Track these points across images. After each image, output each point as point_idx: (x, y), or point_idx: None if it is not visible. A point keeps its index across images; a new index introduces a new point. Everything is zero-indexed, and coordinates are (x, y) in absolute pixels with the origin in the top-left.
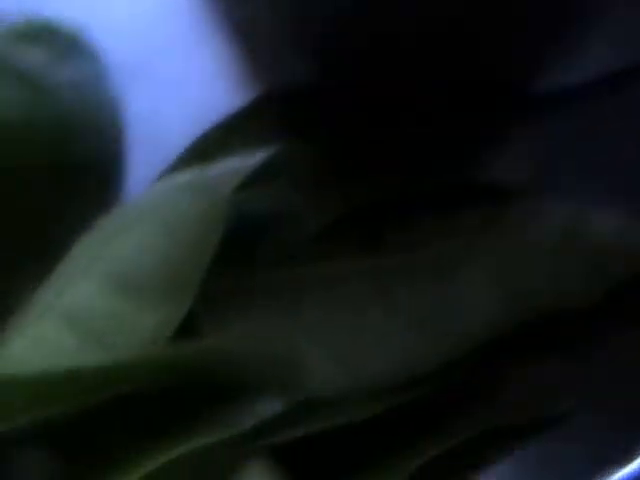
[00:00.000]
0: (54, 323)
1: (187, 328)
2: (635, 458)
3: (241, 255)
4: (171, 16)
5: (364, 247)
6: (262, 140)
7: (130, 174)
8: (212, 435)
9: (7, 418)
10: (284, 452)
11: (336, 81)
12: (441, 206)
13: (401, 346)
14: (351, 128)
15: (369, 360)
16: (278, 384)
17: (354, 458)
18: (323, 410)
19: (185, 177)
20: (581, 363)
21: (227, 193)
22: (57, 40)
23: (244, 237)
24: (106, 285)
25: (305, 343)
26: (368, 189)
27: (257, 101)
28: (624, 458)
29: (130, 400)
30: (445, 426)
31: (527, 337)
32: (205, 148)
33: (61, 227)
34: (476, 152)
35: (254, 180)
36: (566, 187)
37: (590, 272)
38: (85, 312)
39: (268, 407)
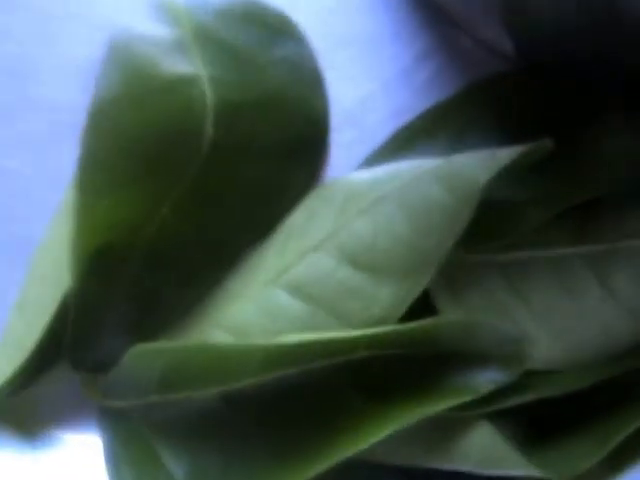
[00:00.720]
0: (283, 291)
1: (419, 302)
2: None
3: (471, 237)
4: (371, 5)
5: (577, 236)
6: (466, 131)
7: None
8: (446, 401)
9: (234, 380)
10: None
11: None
12: None
13: (611, 325)
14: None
15: (585, 336)
16: (505, 357)
17: (559, 426)
18: (541, 381)
19: (430, 165)
20: None
21: (481, 184)
22: (267, 21)
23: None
24: (343, 260)
25: (531, 319)
26: (587, 188)
27: (461, 92)
28: None
29: (365, 366)
30: None
31: None
32: (411, 136)
33: (273, 200)
34: None
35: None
36: None
37: None
38: (318, 283)
39: (499, 377)
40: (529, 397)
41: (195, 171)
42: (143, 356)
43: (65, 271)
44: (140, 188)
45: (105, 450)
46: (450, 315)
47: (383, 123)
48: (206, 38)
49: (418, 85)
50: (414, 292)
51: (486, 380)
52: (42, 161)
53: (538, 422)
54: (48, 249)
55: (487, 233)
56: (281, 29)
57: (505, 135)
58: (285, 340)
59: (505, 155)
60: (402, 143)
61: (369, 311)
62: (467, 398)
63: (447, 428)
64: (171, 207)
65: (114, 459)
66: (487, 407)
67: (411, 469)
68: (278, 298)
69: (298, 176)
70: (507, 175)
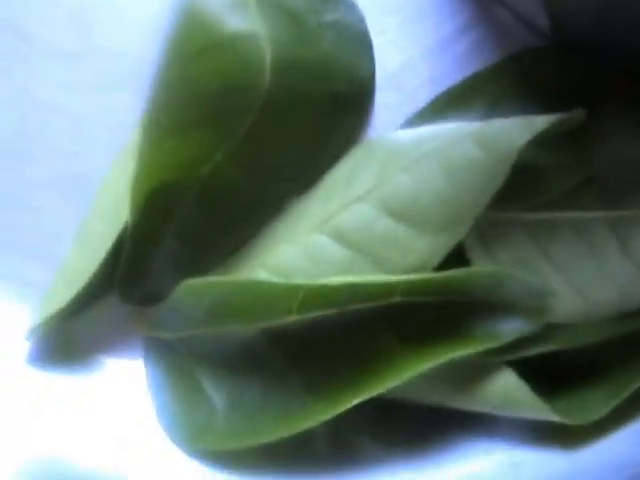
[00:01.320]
0: (327, 237)
1: (453, 255)
2: None
3: (504, 197)
4: None
5: (602, 201)
6: (500, 100)
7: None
8: (474, 346)
9: (275, 317)
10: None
11: (572, 44)
12: None
13: (627, 285)
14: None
15: (604, 294)
16: (530, 309)
17: (576, 376)
18: (561, 333)
19: (470, 127)
20: None
21: (518, 146)
22: None
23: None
24: (384, 211)
25: (555, 275)
26: (613, 156)
27: (497, 64)
28: None
29: (400, 310)
30: None
31: None
32: (449, 101)
33: (319, 152)
34: None
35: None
36: None
37: None
38: (360, 231)
39: (523, 327)
40: (550, 347)
41: (250, 122)
42: (193, 290)
43: (123, 208)
44: (199, 134)
45: (149, 377)
46: (481, 267)
47: (423, 88)
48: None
49: (458, 54)
50: (449, 244)
51: (511, 329)
52: (102, 105)
53: (557, 372)
54: (109, 187)
55: (518, 194)
56: None
57: (536, 106)
58: (326, 281)
59: (542, 121)
60: (441, 107)
61: (406, 259)
62: (492, 345)
63: (472, 372)
64: (225, 153)
65: (158, 386)
66: (510, 355)
67: (435, 409)
68: (321, 243)
69: (342, 132)
70: (539, 141)
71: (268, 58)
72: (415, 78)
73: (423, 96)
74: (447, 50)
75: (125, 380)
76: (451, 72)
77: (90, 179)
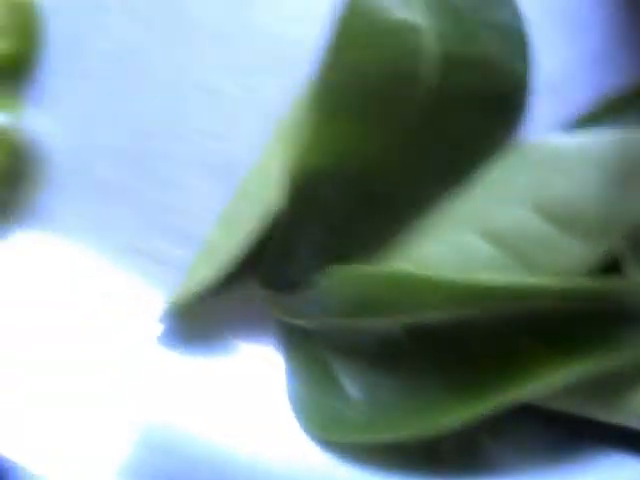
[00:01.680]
0: (477, 236)
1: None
2: None
3: None
4: None
5: None
6: None
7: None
8: (623, 357)
9: (420, 311)
10: None
11: None
12: None
13: None
14: None
15: None
16: None
17: None
18: None
19: (632, 134)
20: None
21: None
22: None
23: None
24: (539, 213)
25: None
26: None
27: None
28: None
29: (549, 315)
30: None
31: None
32: (606, 110)
33: (472, 152)
34: None
35: None
36: None
37: None
38: (512, 232)
39: None
40: None
41: (409, 116)
42: (338, 277)
43: (272, 193)
44: (357, 123)
45: (284, 364)
46: (636, 277)
47: (580, 95)
48: None
49: (618, 65)
50: (603, 251)
51: None
52: (255, 88)
53: None
54: (259, 171)
55: None
56: None
57: None
58: (474, 278)
59: None
60: (598, 116)
61: (557, 263)
62: (634, 356)
63: (619, 384)
64: (381, 145)
65: (292, 373)
66: None
67: (571, 417)
68: (470, 242)
69: (495, 133)
70: None
71: (433, 51)
72: (572, 85)
73: (579, 103)
74: (607, 60)
75: (259, 365)
76: (609, 82)
77: (238, 161)
